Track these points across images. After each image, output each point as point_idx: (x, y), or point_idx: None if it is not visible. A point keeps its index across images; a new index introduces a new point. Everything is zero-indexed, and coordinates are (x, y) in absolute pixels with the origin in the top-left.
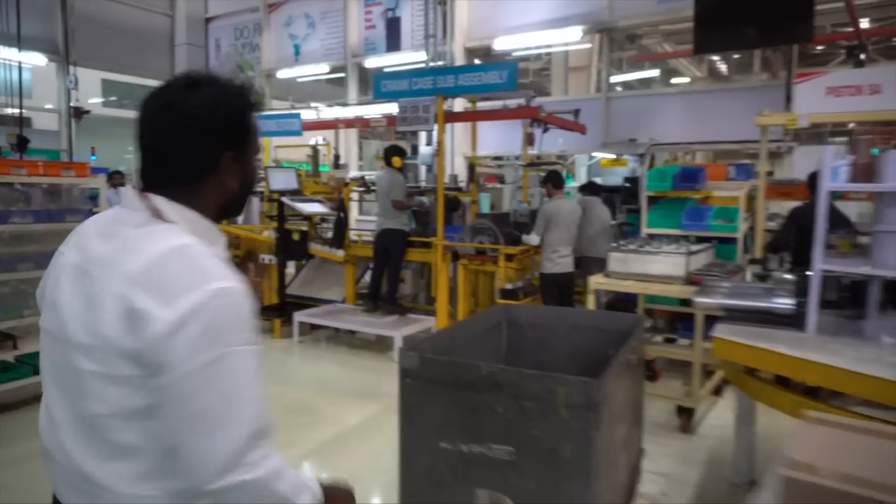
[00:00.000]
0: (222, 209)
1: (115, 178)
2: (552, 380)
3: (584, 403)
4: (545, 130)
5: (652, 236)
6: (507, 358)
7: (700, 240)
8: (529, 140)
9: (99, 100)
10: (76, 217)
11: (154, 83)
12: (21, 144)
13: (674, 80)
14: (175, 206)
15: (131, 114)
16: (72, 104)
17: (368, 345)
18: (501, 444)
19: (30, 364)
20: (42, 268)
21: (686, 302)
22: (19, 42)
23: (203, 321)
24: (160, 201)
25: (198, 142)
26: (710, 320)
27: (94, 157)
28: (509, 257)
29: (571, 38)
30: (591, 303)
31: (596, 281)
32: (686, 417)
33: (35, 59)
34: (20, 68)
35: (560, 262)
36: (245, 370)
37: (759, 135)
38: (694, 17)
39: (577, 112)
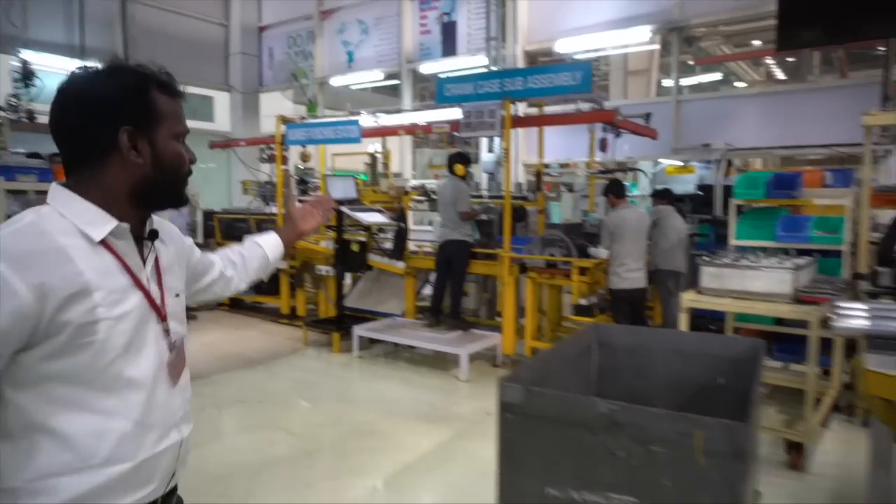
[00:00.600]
0: (139, 192)
1: None
2: (687, 421)
3: (729, 451)
4: (618, 135)
5: (741, 249)
6: (598, 385)
7: (798, 253)
8: (602, 145)
9: None
10: None
11: (209, 93)
12: None
13: (737, 84)
14: (61, 191)
15: (188, 123)
16: None
17: (428, 360)
18: (622, 495)
19: None
20: None
21: (781, 321)
22: (83, 53)
23: None
24: (54, 188)
25: (86, 118)
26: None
27: None
28: (583, 270)
29: (639, 38)
30: (683, 323)
31: (689, 299)
32: (796, 453)
33: None
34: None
35: (629, 276)
36: None
37: (863, 137)
38: (778, 12)
39: (647, 116)
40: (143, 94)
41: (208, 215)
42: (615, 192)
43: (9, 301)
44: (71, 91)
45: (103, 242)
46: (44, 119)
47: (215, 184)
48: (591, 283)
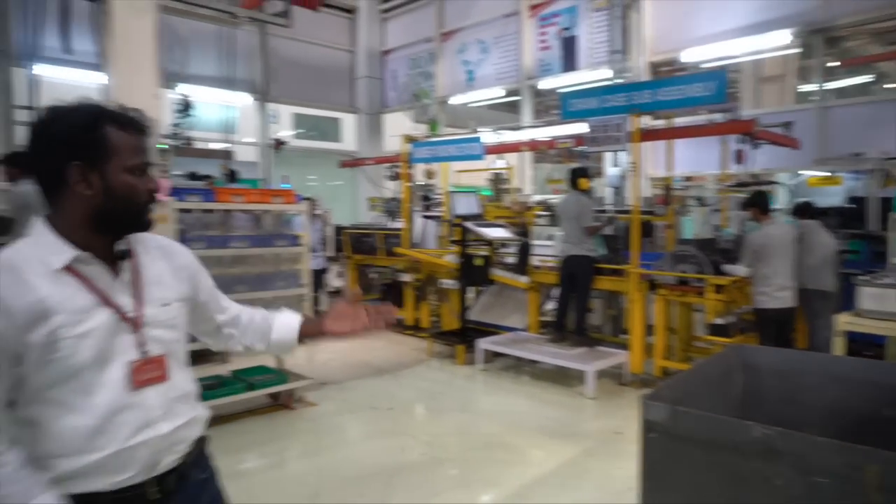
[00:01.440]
0: (94, 221)
1: (311, 206)
2: (858, 453)
3: None
4: (755, 146)
5: None
6: (742, 409)
7: None
8: (738, 157)
9: (290, 132)
10: (283, 241)
11: (337, 115)
12: (231, 177)
13: (891, 86)
14: (37, 225)
15: (317, 144)
16: (272, 137)
17: (551, 375)
18: None
19: (243, 380)
20: (255, 289)
21: None
22: (231, 84)
23: None
24: (35, 222)
25: (40, 155)
26: None
27: (286, 185)
28: (718, 288)
29: (778, 42)
30: (839, 347)
31: (845, 321)
32: None
33: (242, 99)
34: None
35: (779, 295)
36: None
37: None
38: None
39: (788, 125)
40: (93, 132)
41: (338, 230)
42: (762, 206)
43: None
44: (35, 129)
45: (68, 268)
46: (199, 144)
47: (342, 201)
48: (728, 301)
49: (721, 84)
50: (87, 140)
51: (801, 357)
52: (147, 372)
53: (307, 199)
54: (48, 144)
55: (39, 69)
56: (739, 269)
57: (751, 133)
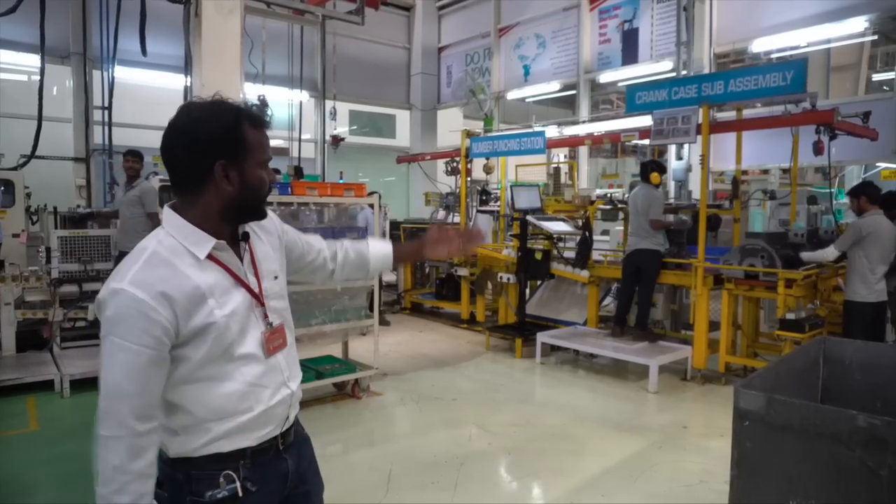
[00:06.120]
0: (228, 212)
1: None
2: None
3: None
4: (833, 137)
5: None
6: (823, 402)
7: None
8: (816, 149)
9: (346, 129)
10: (352, 234)
11: (393, 111)
12: (298, 173)
13: None
14: (170, 215)
15: (371, 141)
16: (330, 134)
17: (610, 370)
18: None
19: (312, 369)
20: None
21: None
22: (299, 83)
23: (101, 310)
24: (166, 211)
25: (189, 152)
26: None
27: (341, 181)
28: (789, 283)
29: (852, 30)
30: None
31: None
32: None
33: (302, 97)
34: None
35: (878, 288)
36: (119, 360)
37: None
38: None
39: (866, 115)
40: (235, 132)
41: (394, 225)
42: (870, 194)
43: (155, 317)
44: (178, 127)
45: (209, 256)
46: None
47: (396, 196)
48: (800, 296)
49: (799, 73)
50: (232, 139)
51: (891, 351)
52: (275, 340)
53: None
54: (197, 144)
55: (117, 72)
56: (828, 252)
57: (831, 123)
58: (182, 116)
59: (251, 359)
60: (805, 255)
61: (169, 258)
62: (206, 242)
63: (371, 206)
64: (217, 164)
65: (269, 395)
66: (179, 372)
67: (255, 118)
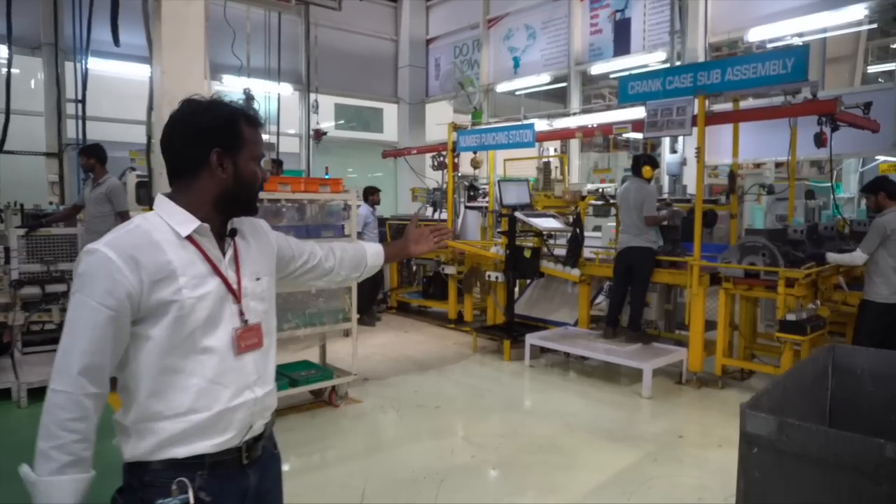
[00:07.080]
0: (220, 200)
1: (375, 197)
2: None
3: None
4: (834, 129)
5: None
6: (832, 417)
7: None
8: (818, 141)
9: (331, 123)
10: (329, 232)
11: (379, 105)
12: (278, 167)
13: None
14: (162, 200)
15: (358, 135)
16: (312, 128)
17: (601, 373)
18: None
19: (286, 376)
20: None
21: None
22: (278, 76)
23: (76, 267)
24: (158, 197)
25: (188, 140)
26: None
27: (327, 176)
28: (790, 282)
29: (850, 18)
30: None
31: None
32: None
33: (284, 90)
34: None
35: None
36: (80, 316)
37: None
38: None
39: (867, 106)
40: (232, 123)
41: (381, 221)
42: (889, 190)
43: (120, 279)
44: (179, 118)
45: (189, 238)
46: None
47: (383, 191)
48: (800, 296)
49: (800, 60)
50: (229, 130)
51: None
52: (249, 338)
53: (371, 189)
54: (196, 131)
55: (91, 63)
56: (856, 257)
57: (833, 113)
58: (183, 108)
59: (215, 353)
60: (832, 258)
61: (150, 231)
62: (190, 223)
63: (366, 203)
64: (213, 151)
65: (228, 396)
66: (142, 355)
67: (250, 117)
